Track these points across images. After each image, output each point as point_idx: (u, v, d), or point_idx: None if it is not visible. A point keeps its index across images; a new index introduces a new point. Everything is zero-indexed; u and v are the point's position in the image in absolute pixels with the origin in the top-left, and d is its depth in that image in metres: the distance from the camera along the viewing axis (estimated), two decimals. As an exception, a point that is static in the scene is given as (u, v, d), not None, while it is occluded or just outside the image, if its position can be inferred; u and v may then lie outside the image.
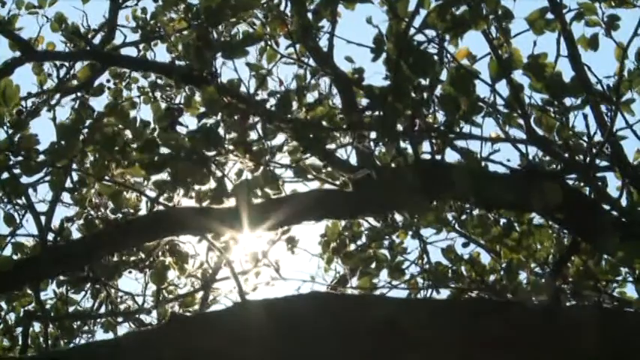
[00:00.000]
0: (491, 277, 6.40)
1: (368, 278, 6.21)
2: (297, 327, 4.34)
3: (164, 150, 5.73)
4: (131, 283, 8.25)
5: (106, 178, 6.12)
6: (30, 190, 6.37)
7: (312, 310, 4.44)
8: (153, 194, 6.42)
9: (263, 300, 4.94)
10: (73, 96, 7.05)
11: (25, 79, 7.63)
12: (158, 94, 7.63)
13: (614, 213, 5.49)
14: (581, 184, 5.78)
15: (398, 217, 6.49)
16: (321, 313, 4.41)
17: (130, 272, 8.06)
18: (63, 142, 5.82)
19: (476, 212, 6.25)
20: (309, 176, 5.91)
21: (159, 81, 7.57)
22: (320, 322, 4.39)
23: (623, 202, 5.53)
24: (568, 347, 4.37)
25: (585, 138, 5.55)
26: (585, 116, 5.56)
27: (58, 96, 7.21)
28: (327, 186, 5.97)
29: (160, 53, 7.82)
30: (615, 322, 4.81)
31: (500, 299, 6.06)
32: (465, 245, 6.31)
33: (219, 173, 5.92)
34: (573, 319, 4.77)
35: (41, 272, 5.95)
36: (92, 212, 7.18)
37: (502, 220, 6.30)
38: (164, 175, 6.01)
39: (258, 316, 4.44)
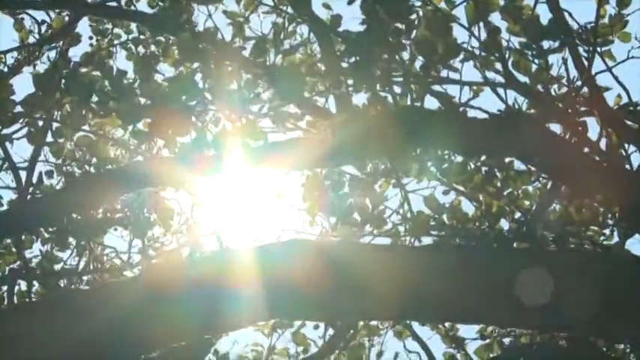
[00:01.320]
0: (474, 226, 6.36)
1: (349, 226, 6.16)
2: (275, 269, 4.33)
3: (142, 99, 5.69)
4: (117, 240, 8.21)
5: (84, 129, 6.08)
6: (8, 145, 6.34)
7: (292, 255, 4.44)
8: (132, 146, 6.38)
9: (242, 247, 4.93)
10: (52, 46, 6.96)
11: (7, 36, 7.53)
12: (141, 50, 7.56)
13: (594, 157, 5.46)
14: (561, 128, 5.73)
15: (379, 166, 6.44)
16: (301, 259, 4.40)
17: (116, 230, 8.07)
18: (40, 93, 5.77)
19: (456, 160, 6.21)
20: (289, 125, 5.87)
21: (141, 36, 7.49)
22: (301, 267, 4.38)
23: (603, 145, 5.52)
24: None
25: (564, 82, 5.52)
26: (564, 60, 5.54)
27: (38, 52, 7.13)
28: (306, 135, 5.93)
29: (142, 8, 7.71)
30: (598, 264, 4.82)
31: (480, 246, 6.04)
32: (445, 193, 6.28)
33: (198, 123, 5.89)
34: (556, 263, 4.78)
35: (20, 225, 5.90)
36: (75, 168, 7.16)
37: (483, 169, 6.27)
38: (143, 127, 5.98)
39: (235, 261, 4.43)
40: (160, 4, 6.46)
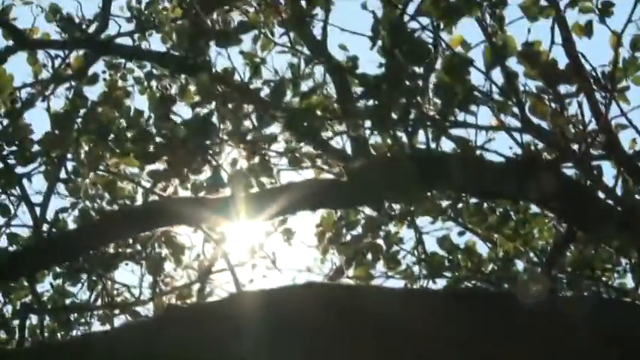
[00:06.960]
0: (489, 268, 6.36)
1: (364, 268, 6.16)
2: (291, 316, 4.30)
3: (158, 139, 5.71)
4: (128, 275, 8.22)
5: (101, 168, 6.10)
6: (25, 181, 6.37)
7: (306, 299, 4.40)
8: (148, 185, 6.39)
9: (257, 290, 4.91)
10: (67, 85, 6.99)
11: (19, 70, 7.56)
12: (154, 84, 7.56)
13: (610, 202, 5.46)
14: (577, 172, 5.74)
15: (394, 207, 6.44)
16: (315, 303, 4.37)
17: (127, 264, 8.08)
18: (57, 132, 5.80)
19: (472, 201, 6.22)
20: (304, 165, 5.88)
21: (154, 71, 7.51)
22: (314, 312, 4.36)
23: (619, 190, 5.52)
24: (562, 337, 4.37)
25: (580, 126, 5.52)
26: (580, 104, 5.54)
27: (52, 87, 7.15)
28: (322, 175, 5.94)
29: (155, 44, 7.74)
30: (610, 311, 4.80)
31: (496, 290, 6.03)
32: (460, 234, 6.28)
33: (214, 163, 5.91)
34: (569, 310, 4.76)
35: (36, 263, 5.91)
36: (87, 203, 7.17)
37: (498, 210, 6.28)
38: (159, 166, 6.00)
39: (252, 306, 4.41)
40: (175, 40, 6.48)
